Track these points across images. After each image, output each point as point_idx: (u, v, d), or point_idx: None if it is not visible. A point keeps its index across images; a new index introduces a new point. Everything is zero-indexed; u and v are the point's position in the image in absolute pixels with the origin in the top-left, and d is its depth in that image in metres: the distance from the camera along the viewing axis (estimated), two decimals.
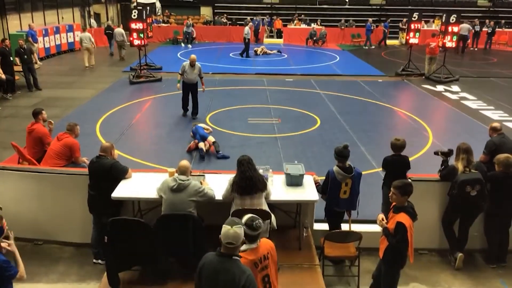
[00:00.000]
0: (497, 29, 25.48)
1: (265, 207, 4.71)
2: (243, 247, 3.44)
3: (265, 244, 3.57)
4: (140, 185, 5.16)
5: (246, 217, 3.44)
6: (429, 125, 10.98)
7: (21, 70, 13.50)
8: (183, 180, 4.63)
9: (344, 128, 10.64)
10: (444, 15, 16.18)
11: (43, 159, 6.52)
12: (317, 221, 5.71)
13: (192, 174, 5.01)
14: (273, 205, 5.05)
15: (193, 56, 10.83)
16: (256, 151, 8.64)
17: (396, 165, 5.55)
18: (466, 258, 5.54)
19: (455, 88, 15.21)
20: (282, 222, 5.18)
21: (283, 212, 5.29)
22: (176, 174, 4.77)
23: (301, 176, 5.27)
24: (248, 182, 4.61)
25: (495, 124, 6.38)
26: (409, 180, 4.41)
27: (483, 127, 10.46)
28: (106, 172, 5.10)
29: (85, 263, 5.41)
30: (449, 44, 15.80)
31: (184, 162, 4.82)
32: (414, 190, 5.55)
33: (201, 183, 4.90)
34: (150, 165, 8.10)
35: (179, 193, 4.60)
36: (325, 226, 5.60)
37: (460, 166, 5.34)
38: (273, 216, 4.76)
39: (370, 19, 25.15)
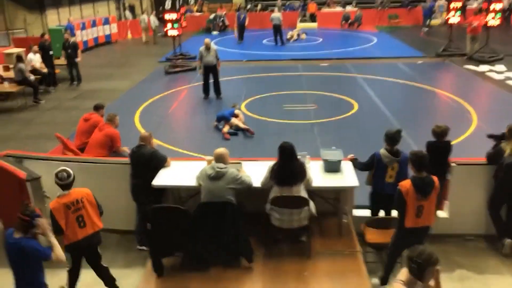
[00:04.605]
0: None
1: (303, 193, 4.66)
2: (58, 193, 4.23)
3: (79, 191, 4.34)
4: (179, 174, 5.22)
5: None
6: (473, 107, 10.54)
7: (65, 63, 13.82)
8: (220, 168, 4.63)
9: (382, 112, 10.38)
10: None
11: (85, 149, 6.72)
12: (357, 207, 5.62)
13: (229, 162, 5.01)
14: (312, 192, 5.00)
15: (207, 40, 11.65)
16: (293, 138, 8.43)
17: (437, 151, 5.40)
18: None
19: (499, 67, 14.48)
20: (322, 209, 5.12)
21: (322, 199, 5.23)
22: (213, 162, 4.79)
23: (339, 162, 5.19)
24: (288, 174, 4.58)
25: None
26: (424, 153, 4.43)
27: None
28: (147, 161, 5.20)
29: (130, 250, 5.57)
30: (492, 22, 15.04)
31: (220, 150, 4.81)
32: (459, 174, 5.44)
33: (238, 170, 4.90)
34: (188, 153, 8.20)
35: (217, 181, 4.60)
36: (365, 213, 5.50)
37: (508, 148, 5.10)
38: (312, 203, 4.72)
39: None
